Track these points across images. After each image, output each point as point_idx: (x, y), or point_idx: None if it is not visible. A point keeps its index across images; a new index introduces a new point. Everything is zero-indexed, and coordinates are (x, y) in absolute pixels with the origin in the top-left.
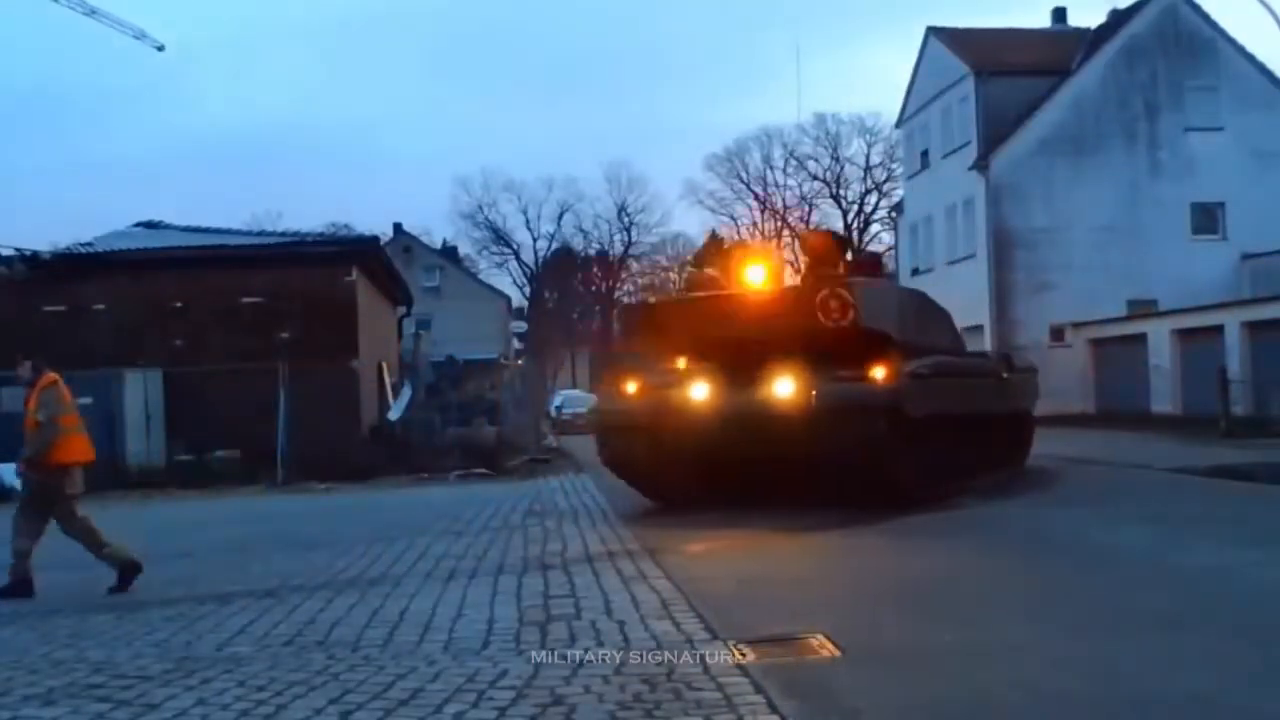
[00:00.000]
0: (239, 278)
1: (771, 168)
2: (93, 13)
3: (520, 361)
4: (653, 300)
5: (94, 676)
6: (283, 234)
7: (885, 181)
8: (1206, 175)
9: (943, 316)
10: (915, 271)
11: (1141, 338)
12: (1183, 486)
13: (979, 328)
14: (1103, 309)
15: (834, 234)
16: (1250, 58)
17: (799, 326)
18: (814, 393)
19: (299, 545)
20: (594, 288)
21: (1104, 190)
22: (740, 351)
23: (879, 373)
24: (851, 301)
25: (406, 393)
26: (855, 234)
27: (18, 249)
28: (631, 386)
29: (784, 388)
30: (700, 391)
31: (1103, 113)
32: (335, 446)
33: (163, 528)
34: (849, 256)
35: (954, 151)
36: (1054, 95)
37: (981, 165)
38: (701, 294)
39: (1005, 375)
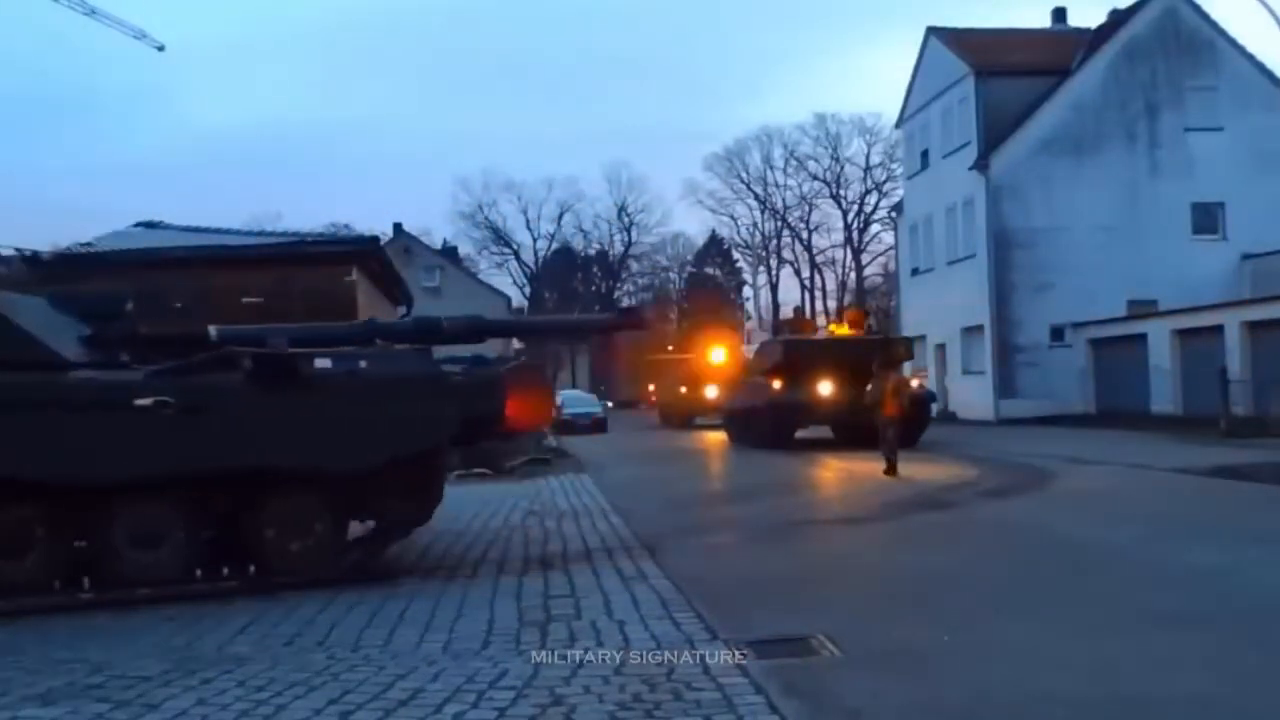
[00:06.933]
0: (239, 278)
1: (771, 168)
2: (93, 13)
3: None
4: None
5: (94, 676)
6: (283, 234)
7: (885, 181)
8: (1206, 175)
9: None
10: (915, 271)
11: (1141, 338)
12: (1183, 486)
13: (979, 328)
14: (1103, 309)
15: None
16: (1250, 58)
17: None
18: None
19: None
20: (594, 288)
21: (1104, 190)
22: None
23: None
24: None
25: None
26: (855, 234)
27: (18, 249)
28: None
29: None
30: None
31: (1103, 113)
32: None
33: None
34: None
35: (954, 151)
36: (1054, 95)
37: (981, 165)
38: None
39: (174, 408)
